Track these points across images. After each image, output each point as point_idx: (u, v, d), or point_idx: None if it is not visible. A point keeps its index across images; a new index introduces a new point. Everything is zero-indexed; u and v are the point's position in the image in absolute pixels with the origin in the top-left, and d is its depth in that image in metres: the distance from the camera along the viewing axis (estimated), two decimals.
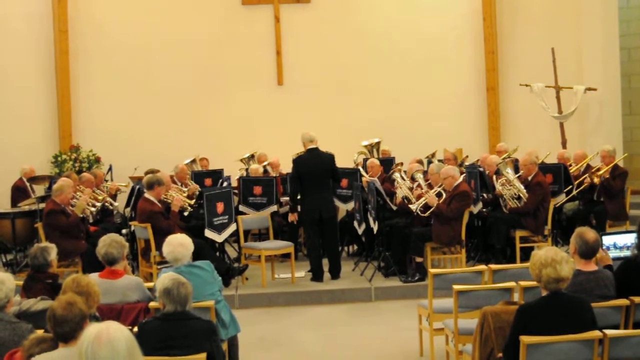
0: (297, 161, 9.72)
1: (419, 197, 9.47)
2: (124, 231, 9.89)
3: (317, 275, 9.57)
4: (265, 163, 12.12)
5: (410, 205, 9.39)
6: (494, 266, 6.68)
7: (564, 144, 13.40)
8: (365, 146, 12.52)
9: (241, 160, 12.86)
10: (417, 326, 6.99)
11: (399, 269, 9.53)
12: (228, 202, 9.50)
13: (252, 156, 12.85)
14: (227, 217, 9.43)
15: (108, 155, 13.54)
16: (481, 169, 10.46)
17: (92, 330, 2.84)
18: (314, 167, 9.52)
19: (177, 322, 4.67)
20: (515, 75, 14.19)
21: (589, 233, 5.15)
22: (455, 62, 14.56)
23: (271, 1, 14.31)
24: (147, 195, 9.09)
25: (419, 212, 9.24)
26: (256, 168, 11.50)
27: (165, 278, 4.78)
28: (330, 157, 9.66)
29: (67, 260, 9.10)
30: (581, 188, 10.80)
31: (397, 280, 9.40)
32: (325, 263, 9.70)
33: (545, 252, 4.62)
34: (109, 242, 5.82)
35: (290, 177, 10.33)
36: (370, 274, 9.61)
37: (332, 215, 9.70)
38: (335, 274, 9.62)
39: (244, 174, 11.71)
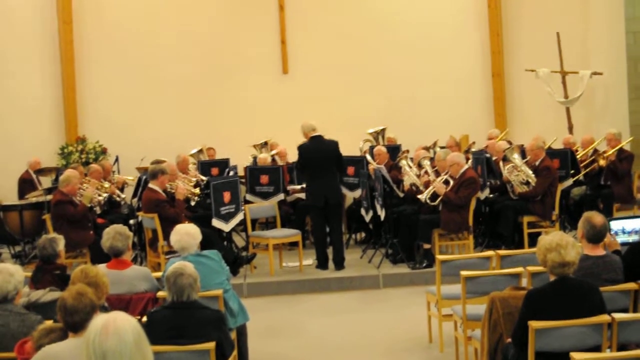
0: (302, 148, 9.67)
1: (426, 184, 9.47)
2: (131, 222, 9.90)
3: (322, 264, 9.57)
4: (272, 152, 12.12)
5: (419, 195, 9.38)
6: (501, 252, 6.68)
7: (570, 129, 13.36)
8: (371, 134, 12.48)
9: (254, 146, 12.86)
10: (425, 313, 7.00)
11: (406, 256, 9.53)
12: (235, 191, 9.49)
13: (266, 143, 12.86)
14: (234, 206, 9.43)
15: (114, 147, 13.53)
16: (488, 155, 10.44)
17: (99, 320, 2.83)
18: (319, 154, 9.44)
19: (185, 311, 4.68)
20: (521, 61, 14.14)
21: (597, 217, 5.13)
22: (460, 47, 14.51)
23: None
24: (151, 185, 9.07)
25: (428, 201, 9.24)
26: (264, 157, 11.49)
27: (170, 267, 4.80)
28: (334, 144, 9.59)
29: (75, 251, 9.12)
30: (587, 170, 10.79)
31: (405, 267, 9.41)
32: (330, 251, 9.65)
33: (551, 237, 4.61)
34: (113, 235, 5.83)
35: (295, 166, 10.30)
36: (378, 261, 9.61)
37: (337, 202, 9.61)
38: (338, 263, 9.50)
39: (252, 162, 11.71)
